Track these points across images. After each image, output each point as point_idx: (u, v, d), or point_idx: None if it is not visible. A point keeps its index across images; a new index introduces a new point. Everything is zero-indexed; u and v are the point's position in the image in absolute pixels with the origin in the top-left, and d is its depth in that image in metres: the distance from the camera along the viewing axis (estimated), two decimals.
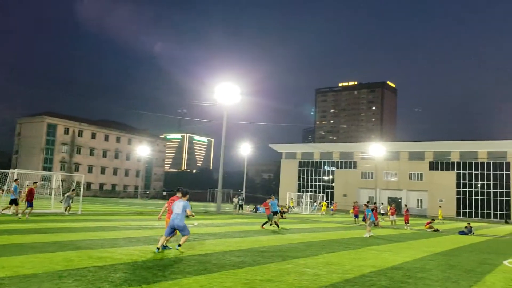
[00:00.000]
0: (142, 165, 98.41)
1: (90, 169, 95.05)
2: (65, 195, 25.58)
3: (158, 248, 10.98)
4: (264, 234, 18.76)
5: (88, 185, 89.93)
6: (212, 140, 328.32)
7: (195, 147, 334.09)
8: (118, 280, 7.38)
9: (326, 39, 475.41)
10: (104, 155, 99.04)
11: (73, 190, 26.32)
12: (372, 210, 22.75)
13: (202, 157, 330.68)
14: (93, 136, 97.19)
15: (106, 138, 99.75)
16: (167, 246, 11.62)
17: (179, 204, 11.30)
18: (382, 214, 41.93)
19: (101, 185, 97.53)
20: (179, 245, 11.36)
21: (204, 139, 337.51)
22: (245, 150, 75.39)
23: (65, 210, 24.67)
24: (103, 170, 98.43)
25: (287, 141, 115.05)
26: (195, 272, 8.49)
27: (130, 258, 9.83)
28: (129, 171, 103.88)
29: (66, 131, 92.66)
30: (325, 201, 65.57)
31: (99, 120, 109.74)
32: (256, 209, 47.13)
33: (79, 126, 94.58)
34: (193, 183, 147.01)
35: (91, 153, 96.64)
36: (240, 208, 41.37)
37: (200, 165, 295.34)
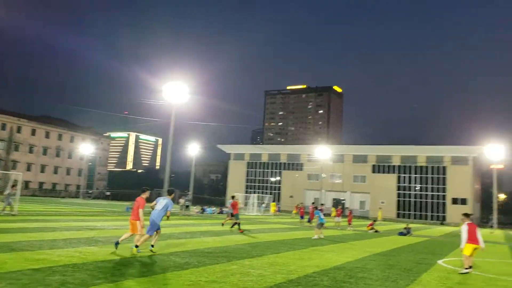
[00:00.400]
0: (85, 164, 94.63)
1: (28, 167, 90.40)
2: (5, 193, 23.97)
3: (140, 247, 11.19)
4: (210, 235, 18.66)
5: (26, 183, 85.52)
6: (160, 139, 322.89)
7: (141, 146, 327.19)
8: (55, 283, 7.06)
9: (276, 41, 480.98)
10: (45, 153, 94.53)
11: (13, 186, 24.88)
12: (320, 211, 22.73)
13: (149, 156, 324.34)
14: (33, 132, 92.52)
15: (47, 135, 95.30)
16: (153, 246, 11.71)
17: (162, 201, 11.53)
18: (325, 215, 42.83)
19: (41, 184, 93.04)
20: (152, 246, 11.59)
21: (152, 138, 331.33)
22: (193, 150, 74.69)
23: (3, 209, 23.23)
24: (43, 168, 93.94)
25: (236, 142, 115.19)
26: (138, 274, 8.29)
27: (69, 260, 9.44)
28: (71, 169, 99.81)
29: (3, 127, 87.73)
30: (273, 201, 66.24)
31: (40, 116, 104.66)
32: (203, 210, 46.79)
33: (17, 121, 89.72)
34: (138, 183, 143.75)
35: (31, 151, 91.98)
36: (187, 209, 40.86)
37: (146, 164, 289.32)
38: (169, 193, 12.31)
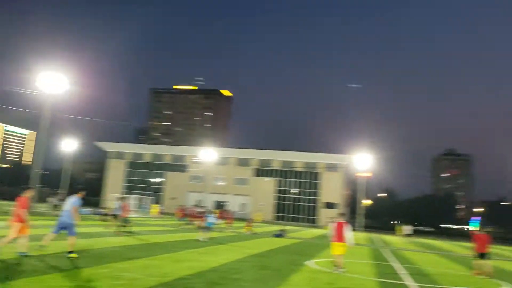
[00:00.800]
0: None
1: None
2: None
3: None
4: (81, 237, 17.54)
5: None
6: (31, 132, 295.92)
7: (11, 139, 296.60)
8: None
9: (164, 39, 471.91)
10: None
11: None
12: (202, 213, 22.84)
13: (20, 151, 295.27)
14: None
15: None
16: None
17: (69, 201, 11.17)
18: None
19: None
20: (70, 252, 10.89)
21: (20, 130, 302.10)
22: (68, 146, 69.83)
23: None
24: None
25: (119, 140, 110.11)
26: None
27: None
28: None
29: None
30: (156, 203, 64.77)
31: None
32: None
33: None
34: (6, 179, 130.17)
35: None
36: (56, 208, 37.56)
37: (16, 159, 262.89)
38: (77, 191, 11.93)
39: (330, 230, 13.04)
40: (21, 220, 10.39)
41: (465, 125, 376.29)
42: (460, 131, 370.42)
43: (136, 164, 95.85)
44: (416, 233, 78.37)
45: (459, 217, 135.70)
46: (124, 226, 21.77)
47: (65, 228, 11.04)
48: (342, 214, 13.58)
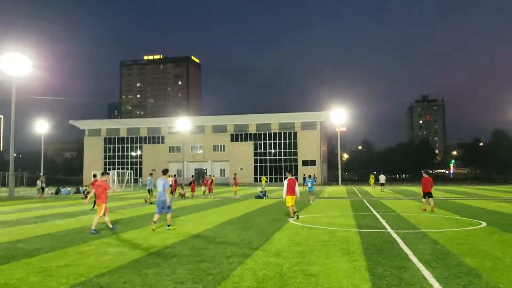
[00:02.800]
0: None
1: None
2: None
3: (154, 222, 12.64)
4: (63, 217, 17.55)
5: None
6: (1, 117, 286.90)
7: None
8: None
9: (131, 10, 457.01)
10: None
11: None
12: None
13: None
14: None
15: None
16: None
17: (159, 183, 12.55)
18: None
19: None
20: (168, 226, 12.78)
21: None
22: (41, 128, 68.36)
23: None
24: None
25: (92, 117, 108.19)
26: None
27: None
28: None
29: None
30: (135, 177, 64.67)
31: None
32: (59, 191, 43.51)
33: None
34: None
35: None
36: (42, 191, 36.95)
37: None
38: (164, 173, 13.22)
39: (283, 186, 15.49)
40: (103, 201, 12.32)
41: (438, 72, 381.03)
42: (432, 78, 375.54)
43: (112, 140, 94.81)
44: (394, 181, 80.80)
45: (437, 162, 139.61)
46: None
47: (163, 207, 12.58)
48: (290, 172, 16.26)
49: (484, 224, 13.86)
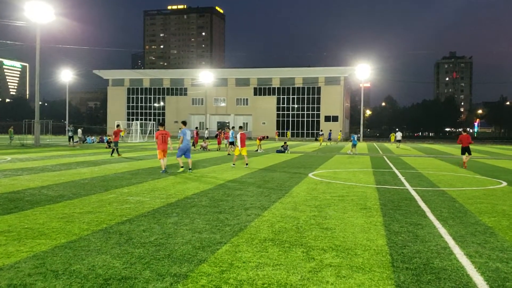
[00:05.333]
0: None
1: None
2: None
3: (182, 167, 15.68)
4: (87, 165, 18.01)
5: None
6: (27, 65, 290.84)
7: (7, 74, 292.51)
8: None
9: None
10: None
11: None
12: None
13: (16, 84, 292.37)
14: None
15: None
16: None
17: (188, 132, 15.49)
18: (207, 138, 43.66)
19: None
20: (190, 169, 15.59)
21: (17, 64, 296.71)
22: (66, 76, 69.11)
23: None
24: None
25: (116, 67, 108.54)
26: (2, 212, 7.79)
27: None
28: None
29: None
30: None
31: None
32: (85, 140, 44.52)
33: None
34: (6, 113, 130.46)
35: None
36: (71, 140, 37.73)
37: (14, 93, 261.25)
38: (184, 123, 15.86)
39: (237, 138, 18.71)
40: (163, 148, 15.32)
41: (465, 29, 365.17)
42: (460, 35, 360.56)
43: (136, 90, 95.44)
44: (417, 138, 79.62)
45: (461, 120, 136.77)
46: (117, 150, 23.61)
47: (185, 153, 15.45)
48: (241, 127, 20.17)
49: (504, 183, 13.65)
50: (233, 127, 37.21)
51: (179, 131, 15.54)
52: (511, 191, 11.94)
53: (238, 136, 18.60)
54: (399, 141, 44.60)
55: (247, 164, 18.39)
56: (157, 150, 15.49)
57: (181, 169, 15.43)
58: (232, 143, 27.59)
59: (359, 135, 39.15)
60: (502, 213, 8.57)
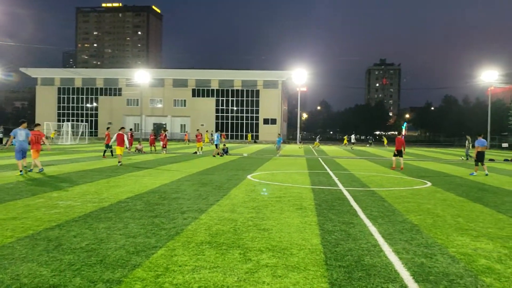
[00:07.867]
0: None
1: None
2: None
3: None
4: (13, 169, 16.95)
5: None
6: None
7: None
8: None
9: None
10: None
11: None
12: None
13: None
14: None
15: None
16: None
17: (23, 132, 14.87)
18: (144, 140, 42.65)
19: None
20: (31, 169, 15.56)
21: None
22: None
23: None
24: None
25: (45, 66, 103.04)
26: None
27: None
28: None
29: None
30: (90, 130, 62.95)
31: None
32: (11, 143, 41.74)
33: None
34: None
35: None
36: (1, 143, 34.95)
37: None
38: (21, 123, 15.16)
39: (114, 138, 20.16)
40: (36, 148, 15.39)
41: (395, 37, 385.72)
42: (391, 42, 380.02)
43: (67, 90, 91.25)
44: (349, 142, 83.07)
45: (390, 124, 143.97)
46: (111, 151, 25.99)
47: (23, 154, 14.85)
48: (122, 128, 20.89)
49: (429, 184, 14.55)
50: (218, 131, 38.32)
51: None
52: (434, 190, 12.75)
53: (114, 136, 20.17)
54: (353, 143, 51.61)
55: (120, 162, 19.39)
56: (31, 149, 15.39)
57: (19, 173, 14.46)
58: (217, 146, 28.49)
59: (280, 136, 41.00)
60: (427, 211, 9.13)
